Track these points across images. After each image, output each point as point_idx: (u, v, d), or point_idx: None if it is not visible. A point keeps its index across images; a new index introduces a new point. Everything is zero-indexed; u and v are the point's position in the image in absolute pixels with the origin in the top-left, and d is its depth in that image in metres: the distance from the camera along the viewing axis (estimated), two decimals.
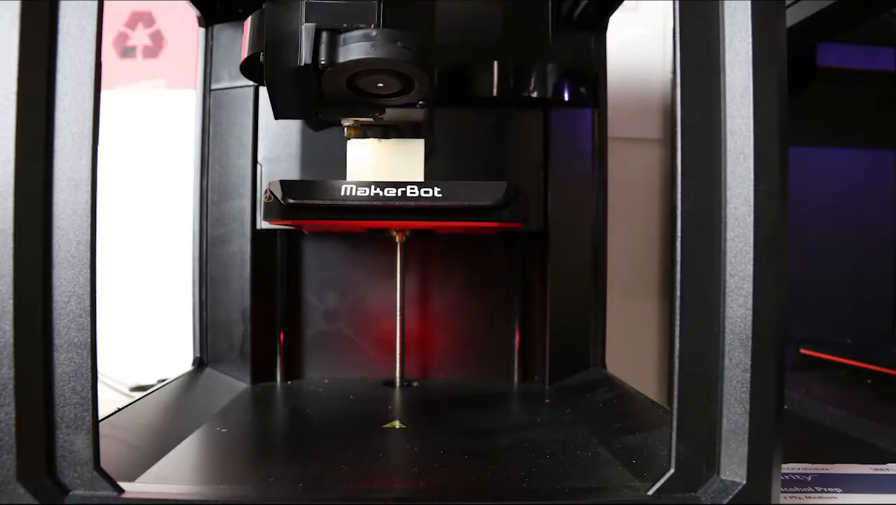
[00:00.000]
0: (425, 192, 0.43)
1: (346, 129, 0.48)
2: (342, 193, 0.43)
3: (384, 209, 0.44)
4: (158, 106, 0.74)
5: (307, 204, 0.44)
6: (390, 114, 0.46)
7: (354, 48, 0.39)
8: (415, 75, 0.41)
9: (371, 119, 0.46)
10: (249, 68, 0.47)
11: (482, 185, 0.44)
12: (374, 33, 0.39)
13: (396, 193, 0.43)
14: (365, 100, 0.43)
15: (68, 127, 0.29)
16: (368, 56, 0.39)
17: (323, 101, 0.43)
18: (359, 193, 0.43)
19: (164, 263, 0.72)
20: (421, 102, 0.44)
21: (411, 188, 0.43)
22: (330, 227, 0.55)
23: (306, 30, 0.39)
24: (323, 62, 0.39)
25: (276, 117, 0.46)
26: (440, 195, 0.43)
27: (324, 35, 0.39)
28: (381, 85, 0.42)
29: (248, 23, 0.46)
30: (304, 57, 0.39)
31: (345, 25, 0.39)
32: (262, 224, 0.53)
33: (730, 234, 0.29)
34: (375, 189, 0.43)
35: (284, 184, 0.44)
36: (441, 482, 0.33)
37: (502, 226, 0.46)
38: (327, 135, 0.53)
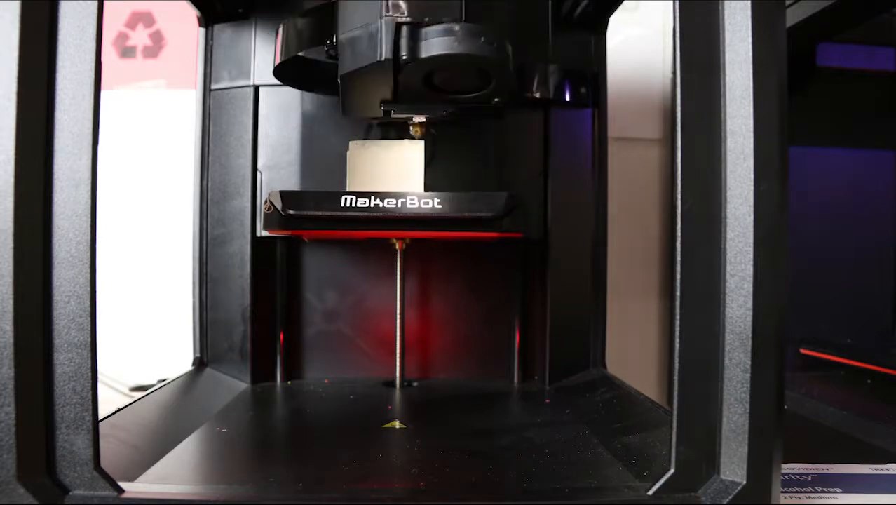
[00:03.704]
0: (425, 202, 0.43)
1: (412, 126, 0.47)
2: (342, 204, 0.43)
3: (384, 220, 0.43)
4: (158, 106, 0.74)
5: (307, 215, 0.44)
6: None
7: (436, 43, 0.38)
8: (496, 71, 0.40)
9: (444, 115, 0.45)
10: (287, 70, 0.47)
11: (482, 196, 0.44)
12: (456, 28, 0.37)
13: (396, 204, 0.43)
14: (440, 96, 0.42)
15: (68, 127, 0.29)
16: (452, 51, 0.37)
17: (396, 98, 0.42)
18: (359, 204, 0.43)
19: (165, 263, 0.72)
20: (497, 99, 0.43)
21: (411, 199, 0.43)
22: (330, 236, 0.55)
23: (386, 24, 0.38)
24: (404, 57, 0.38)
25: (345, 114, 0.46)
26: (440, 206, 0.43)
27: (404, 29, 0.38)
28: (458, 81, 0.40)
29: (282, 26, 0.46)
30: (385, 52, 0.38)
31: (426, 20, 0.38)
32: (262, 232, 0.53)
33: (730, 234, 0.29)
34: (375, 200, 0.43)
35: (284, 194, 0.44)
36: (441, 482, 0.33)
37: (503, 236, 0.46)
38: (327, 140, 0.53)
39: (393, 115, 0.45)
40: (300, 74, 0.49)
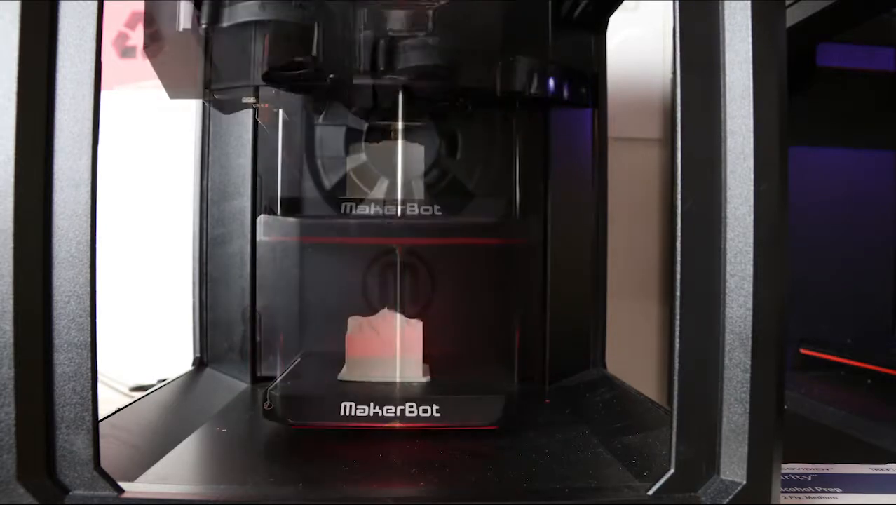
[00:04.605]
0: (425, 209, 0.44)
1: (392, 131, 0.48)
2: (341, 211, 0.44)
3: (384, 228, 0.44)
4: (158, 106, 0.74)
5: (307, 222, 0.44)
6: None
7: (413, 56, 0.40)
8: (468, 79, 0.43)
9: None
10: (275, 75, 0.48)
11: (482, 203, 0.45)
12: (431, 41, 0.40)
13: (397, 212, 0.44)
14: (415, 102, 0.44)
15: (68, 127, 0.29)
16: (427, 63, 0.40)
17: (375, 106, 0.44)
18: (359, 211, 0.44)
19: (165, 263, 0.72)
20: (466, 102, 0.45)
21: (411, 205, 0.44)
22: (330, 241, 0.55)
23: (364, 38, 0.40)
24: (381, 69, 0.40)
25: (325, 122, 0.49)
26: (440, 212, 0.44)
27: (381, 43, 0.40)
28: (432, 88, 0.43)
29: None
30: (363, 64, 0.40)
31: (403, 33, 0.41)
32: (262, 237, 0.53)
33: (730, 234, 0.29)
34: (375, 207, 0.44)
35: (283, 200, 0.44)
36: (441, 482, 0.33)
37: (505, 242, 0.46)
38: (327, 141, 0.53)
39: (371, 123, 0.48)
40: (288, 79, 0.50)
